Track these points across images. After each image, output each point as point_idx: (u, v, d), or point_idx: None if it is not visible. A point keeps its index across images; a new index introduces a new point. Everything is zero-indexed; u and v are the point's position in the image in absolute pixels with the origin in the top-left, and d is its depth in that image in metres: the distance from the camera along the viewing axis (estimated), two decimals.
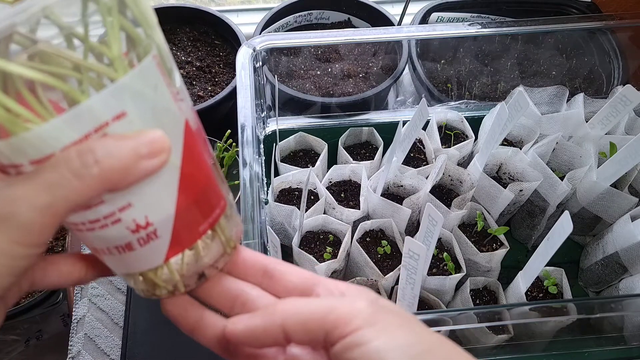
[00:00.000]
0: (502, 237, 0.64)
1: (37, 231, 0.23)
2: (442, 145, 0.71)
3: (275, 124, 0.73)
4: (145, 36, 0.25)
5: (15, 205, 0.22)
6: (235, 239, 0.32)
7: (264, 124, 0.73)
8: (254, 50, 0.64)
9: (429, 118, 0.70)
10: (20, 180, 0.23)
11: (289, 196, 0.69)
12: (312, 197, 0.69)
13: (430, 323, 0.47)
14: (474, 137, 0.73)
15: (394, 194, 0.70)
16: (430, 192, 0.64)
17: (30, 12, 0.21)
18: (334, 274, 0.62)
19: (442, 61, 0.92)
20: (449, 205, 0.65)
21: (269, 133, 0.73)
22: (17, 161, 0.23)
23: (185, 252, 0.29)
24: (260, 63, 0.65)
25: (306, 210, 0.63)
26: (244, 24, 0.96)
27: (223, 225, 0.31)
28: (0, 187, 0.23)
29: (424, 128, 0.73)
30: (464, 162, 0.74)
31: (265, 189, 0.65)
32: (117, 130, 0.24)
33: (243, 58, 0.63)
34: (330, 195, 0.65)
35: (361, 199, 0.66)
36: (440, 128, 0.76)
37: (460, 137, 0.75)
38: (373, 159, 0.71)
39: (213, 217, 0.30)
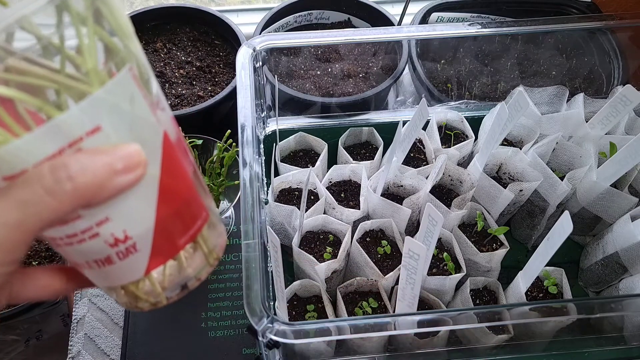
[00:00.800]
0: (502, 237, 0.64)
1: (7, 249, 0.23)
2: (442, 145, 0.71)
3: (275, 124, 0.73)
4: (123, 46, 0.24)
5: None
6: (218, 251, 0.32)
7: (264, 124, 0.73)
8: (254, 50, 0.64)
9: (429, 118, 0.70)
10: None
11: (289, 196, 0.69)
12: (312, 197, 0.69)
13: (430, 323, 0.47)
14: (474, 137, 0.73)
15: (394, 194, 0.70)
16: (430, 192, 0.64)
17: (4, 24, 0.20)
18: (334, 274, 0.62)
19: (442, 61, 0.92)
20: (449, 205, 0.65)
21: (269, 133, 0.73)
22: None
23: (167, 264, 0.29)
24: (260, 63, 0.65)
25: (306, 210, 0.63)
26: (244, 24, 0.96)
27: (205, 236, 0.30)
28: None
29: (424, 128, 0.73)
30: (464, 162, 0.74)
31: (265, 189, 0.65)
32: (93, 145, 0.23)
33: (243, 58, 0.63)
34: (330, 195, 0.65)
35: (361, 199, 0.66)
36: (440, 128, 0.76)
37: (460, 137, 0.75)
38: (373, 159, 0.71)
39: (194, 229, 0.29)
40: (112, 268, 0.27)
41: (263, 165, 0.62)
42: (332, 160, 0.75)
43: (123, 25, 0.24)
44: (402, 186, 0.69)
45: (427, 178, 0.66)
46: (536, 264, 0.53)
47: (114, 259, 0.27)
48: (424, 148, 0.73)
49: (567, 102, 0.74)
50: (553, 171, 0.66)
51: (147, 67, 0.26)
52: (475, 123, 0.75)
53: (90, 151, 0.23)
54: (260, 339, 0.44)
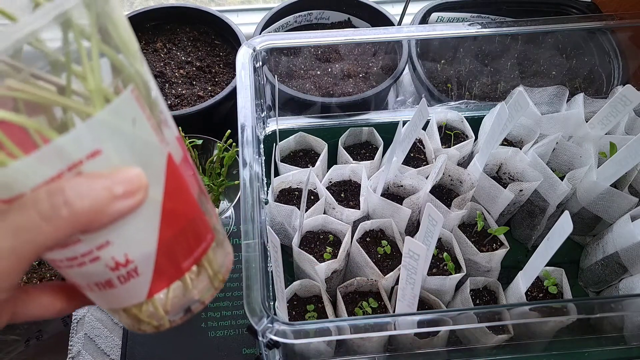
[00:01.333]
0: (502, 237, 0.64)
1: (1, 276, 0.22)
2: (442, 145, 0.71)
3: (275, 124, 0.73)
4: (127, 65, 0.24)
5: None
6: (224, 272, 0.31)
7: (264, 124, 0.73)
8: (254, 50, 0.64)
9: (429, 118, 0.70)
10: None
11: (289, 196, 0.69)
12: (312, 197, 0.69)
13: (430, 323, 0.47)
14: (474, 137, 0.73)
15: (394, 194, 0.70)
16: (430, 192, 0.64)
17: (13, 40, 0.20)
18: (334, 274, 0.62)
19: (442, 61, 0.92)
20: (449, 205, 0.65)
21: (269, 133, 0.73)
22: None
23: (170, 287, 0.28)
24: (260, 63, 0.65)
25: (306, 210, 0.63)
26: (244, 24, 0.96)
27: (211, 258, 0.30)
28: None
29: (424, 128, 0.73)
30: (464, 162, 0.74)
31: (265, 189, 0.65)
32: (93, 169, 0.22)
33: (243, 58, 0.63)
34: (330, 195, 0.65)
35: (361, 199, 0.66)
36: (440, 128, 0.76)
37: (460, 137, 0.75)
38: (373, 159, 0.71)
39: (199, 251, 0.29)
40: (114, 291, 0.27)
41: (263, 165, 0.62)
42: (332, 160, 0.75)
43: (127, 43, 0.24)
44: (402, 186, 0.69)
45: (427, 178, 0.66)
46: (536, 264, 0.53)
47: (115, 283, 0.26)
48: (424, 148, 0.73)
49: (567, 102, 0.74)
50: (553, 171, 0.66)
51: (153, 86, 0.26)
52: (475, 123, 0.75)
53: (90, 175, 0.22)
54: (260, 339, 0.44)
